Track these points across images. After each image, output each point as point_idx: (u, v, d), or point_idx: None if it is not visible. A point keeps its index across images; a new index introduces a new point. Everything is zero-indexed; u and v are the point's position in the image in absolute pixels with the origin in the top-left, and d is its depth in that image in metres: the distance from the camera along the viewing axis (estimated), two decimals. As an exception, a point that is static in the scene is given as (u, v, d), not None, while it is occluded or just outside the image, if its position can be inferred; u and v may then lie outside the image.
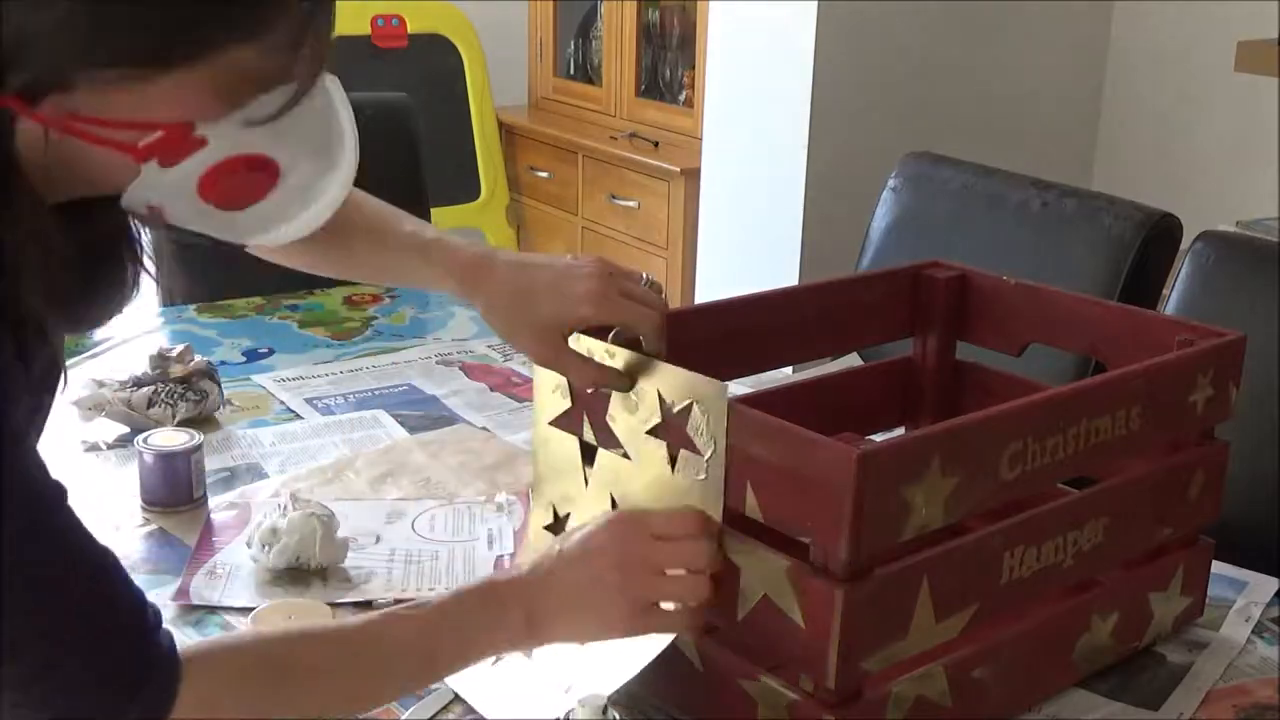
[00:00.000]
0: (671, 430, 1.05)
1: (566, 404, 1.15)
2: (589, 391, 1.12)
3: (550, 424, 1.17)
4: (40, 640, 0.79)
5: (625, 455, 1.10)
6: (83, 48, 0.77)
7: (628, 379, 1.08)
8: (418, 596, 1.27)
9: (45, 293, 0.81)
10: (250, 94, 0.82)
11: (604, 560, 1.00)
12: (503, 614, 0.98)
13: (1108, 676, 1.21)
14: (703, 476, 1.03)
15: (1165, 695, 1.19)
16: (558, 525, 1.18)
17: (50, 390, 0.92)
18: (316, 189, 0.90)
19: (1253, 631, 1.29)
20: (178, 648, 0.86)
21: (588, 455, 1.14)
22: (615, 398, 1.09)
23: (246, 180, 0.85)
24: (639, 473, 1.09)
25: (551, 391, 1.16)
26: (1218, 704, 1.18)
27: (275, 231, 0.91)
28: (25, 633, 0.79)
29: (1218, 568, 1.32)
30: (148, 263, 0.96)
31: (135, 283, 0.95)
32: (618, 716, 0.99)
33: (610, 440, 1.11)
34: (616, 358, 1.09)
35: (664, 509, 1.05)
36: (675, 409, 1.04)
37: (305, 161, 0.88)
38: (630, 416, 1.08)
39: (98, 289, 0.92)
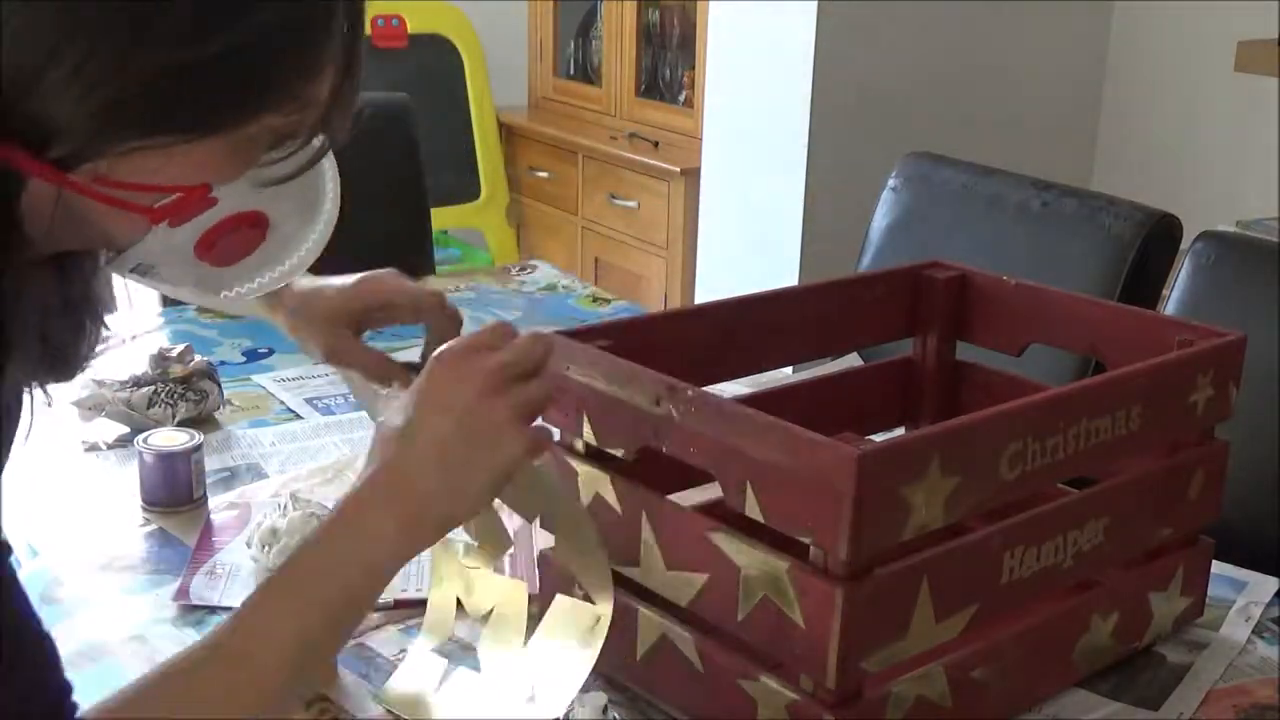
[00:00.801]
0: None
1: None
2: None
3: None
4: None
5: None
6: (130, 124, 0.74)
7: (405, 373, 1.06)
8: (418, 595, 1.28)
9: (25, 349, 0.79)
10: (265, 150, 0.81)
11: (462, 394, 0.87)
12: (363, 534, 0.86)
13: (1108, 676, 1.21)
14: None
15: (1165, 695, 1.19)
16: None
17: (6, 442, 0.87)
18: (297, 241, 0.88)
19: (1253, 631, 1.29)
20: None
21: None
22: None
23: (242, 238, 0.84)
24: None
25: None
26: (1218, 704, 1.18)
27: (252, 284, 0.88)
28: None
29: (1218, 568, 1.32)
30: (105, 321, 0.93)
31: (93, 342, 0.92)
32: (618, 716, 0.99)
33: None
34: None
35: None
36: None
37: (293, 214, 0.87)
38: None
39: (61, 348, 0.89)
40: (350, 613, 0.89)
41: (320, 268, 1.49)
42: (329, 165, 0.89)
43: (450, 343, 0.91)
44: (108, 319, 0.94)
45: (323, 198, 0.89)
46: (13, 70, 0.72)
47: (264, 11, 0.75)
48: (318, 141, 0.84)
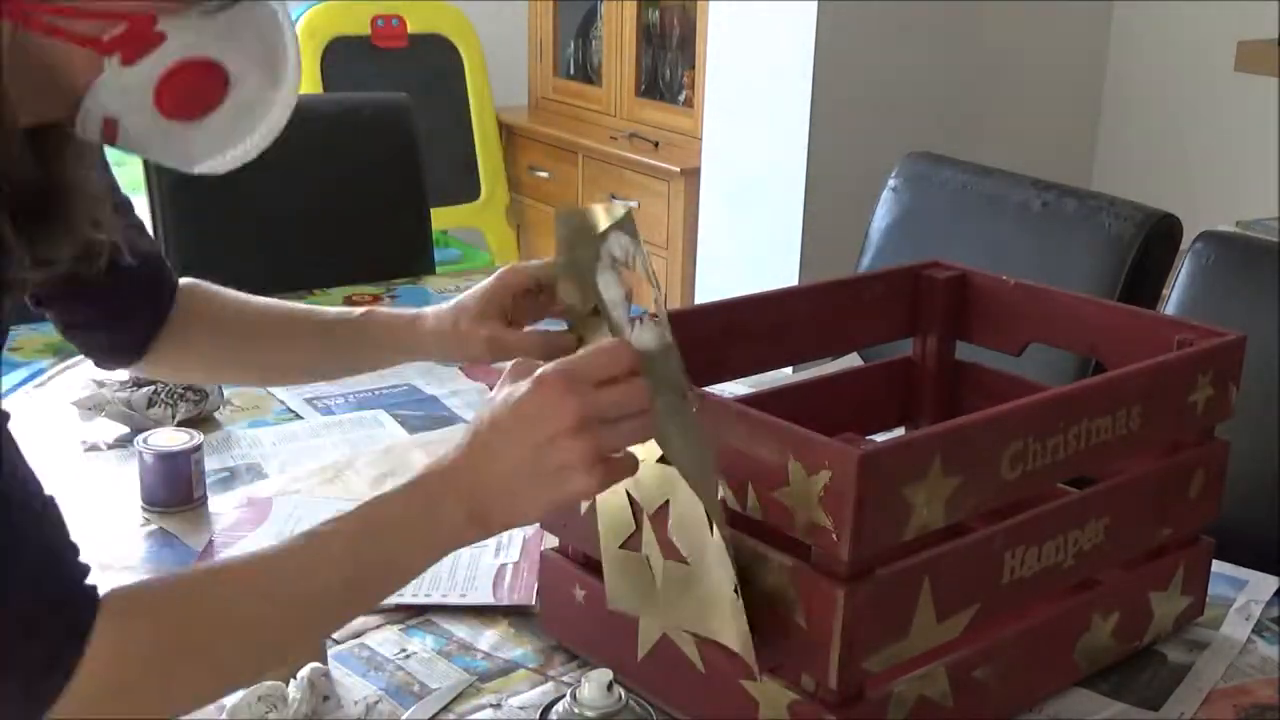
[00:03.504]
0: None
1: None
2: None
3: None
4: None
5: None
6: None
7: (575, 337, 1.03)
8: (413, 602, 1.28)
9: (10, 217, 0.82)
10: None
11: (546, 424, 0.89)
12: (437, 511, 0.90)
13: (1109, 676, 1.21)
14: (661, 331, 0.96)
15: (1166, 695, 1.19)
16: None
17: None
18: (262, 107, 0.90)
19: (1253, 631, 1.29)
20: (98, 592, 0.85)
21: None
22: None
23: (199, 86, 0.86)
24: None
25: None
26: (1218, 704, 1.18)
27: (224, 155, 0.91)
28: None
29: (1218, 567, 1.32)
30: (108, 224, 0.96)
31: (81, 240, 0.93)
32: (623, 692, 0.99)
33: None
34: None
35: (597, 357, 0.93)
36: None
37: (253, 73, 0.88)
38: None
39: (42, 229, 0.89)
40: (392, 579, 0.93)
41: (322, 266, 1.49)
42: (290, 32, 0.90)
43: (560, 363, 0.91)
44: (102, 217, 0.96)
45: (284, 62, 0.90)
46: None
47: None
48: None
